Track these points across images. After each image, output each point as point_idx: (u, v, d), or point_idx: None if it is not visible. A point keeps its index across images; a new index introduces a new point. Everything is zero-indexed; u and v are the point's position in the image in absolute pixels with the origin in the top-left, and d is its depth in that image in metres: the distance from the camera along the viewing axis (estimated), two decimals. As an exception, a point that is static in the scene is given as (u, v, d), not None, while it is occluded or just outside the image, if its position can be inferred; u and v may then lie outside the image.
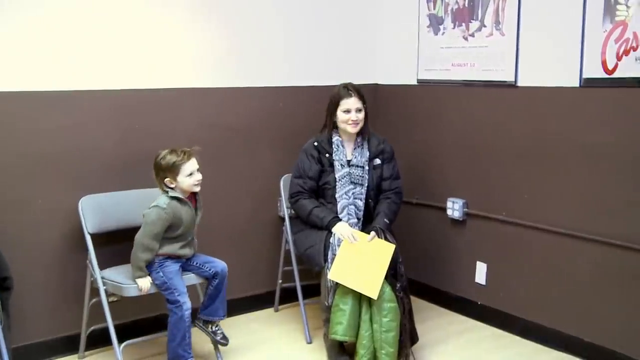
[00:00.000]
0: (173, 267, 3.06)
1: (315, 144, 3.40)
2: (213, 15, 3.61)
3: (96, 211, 3.19)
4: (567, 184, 3.29)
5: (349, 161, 3.37)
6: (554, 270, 3.41)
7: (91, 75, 3.25)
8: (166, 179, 3.03)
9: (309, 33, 3.97)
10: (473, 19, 3.66)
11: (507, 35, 3.48)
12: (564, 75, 3.23)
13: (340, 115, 3.33)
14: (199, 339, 3.33)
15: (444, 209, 3.88)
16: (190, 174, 3.02)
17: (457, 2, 3.74)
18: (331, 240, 3.22)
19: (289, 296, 3.88)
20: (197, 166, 3.04)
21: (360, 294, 3.09)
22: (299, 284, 3.63)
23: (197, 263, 3.17)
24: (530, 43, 3.40)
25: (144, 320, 3.46)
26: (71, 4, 3.16)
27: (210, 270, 3.15)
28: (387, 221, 3.32)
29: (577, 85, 3.18)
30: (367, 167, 3.37)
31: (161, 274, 3.02)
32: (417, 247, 4.08)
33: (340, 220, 3.27)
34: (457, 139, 3.83)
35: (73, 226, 3.21)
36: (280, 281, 3.85)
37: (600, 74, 3.08)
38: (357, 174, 3.36)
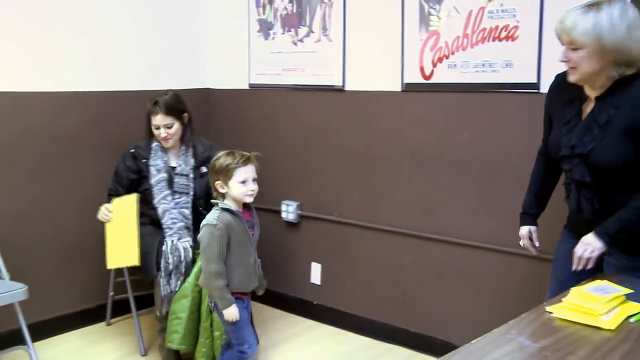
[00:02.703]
0: (244, 312, 2.74)
1: (132, 150, 3.34)
2: (31, 16, 3.37)
3: None
4: (393, 183, 3.47)
5: (173, 168, 3.31)
6: (382, 266, 3.57)
7: None
8: (217, 182, 2.71)
9: (136, 36, 3.83)
10: (302, 25, 3.73)
11: (334, 41, 3.60)
12: (387, 80, 3.40)
13: (153, 130, 3.29)
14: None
15: (279, 212, 3.93)
16: (244, 182, 2.68)
17: (285, 7, 3.80)
18: (164, 248, 3.13)
19: (121, 308, 3.71)
20: (254, 175, 2.73)
21: (199, 301, 3.04)
22: (132, 294, 3.49)
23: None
24: (356, 49, 3.54)
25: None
26: None
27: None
28: None
29: (399, 89, 3.37)
30: (191, 175, 3.32)
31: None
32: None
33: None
34: (290, 142, 3.89)
35: None
36: (111, 293, 3.68)
37: (419, 79, 3.28)
38: (182, 182, 3.29)
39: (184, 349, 3.06)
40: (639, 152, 2.08)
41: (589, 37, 2.04)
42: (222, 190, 2.70)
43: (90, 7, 3.61)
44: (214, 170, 2.71)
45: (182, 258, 3.13)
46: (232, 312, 2.67)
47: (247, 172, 2.68)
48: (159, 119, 3.25)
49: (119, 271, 3.55)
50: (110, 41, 3.72)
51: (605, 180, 2.16)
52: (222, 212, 2.66)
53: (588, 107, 2.20)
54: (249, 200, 2.72)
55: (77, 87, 3.59)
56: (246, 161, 2.69)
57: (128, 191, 3.33)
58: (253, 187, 2.71)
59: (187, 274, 3.12)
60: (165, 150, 3.31)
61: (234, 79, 4.11)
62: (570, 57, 2.11)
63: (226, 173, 2.67)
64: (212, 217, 2.66)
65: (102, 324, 3.77)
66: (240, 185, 2.67)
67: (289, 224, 3.92)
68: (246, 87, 4.06)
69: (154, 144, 3.31)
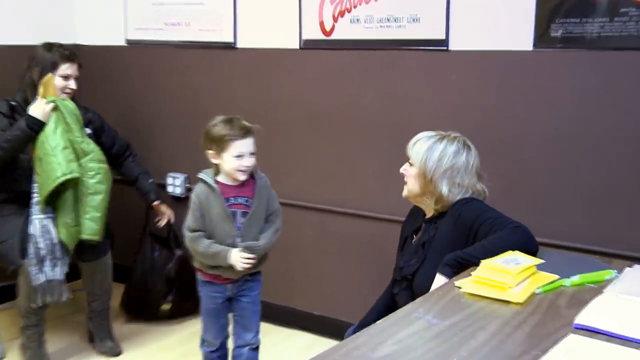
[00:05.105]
0: (212, 302, 2.71)
1: (14, 103, 3.13)
2: None
3: None
4: (292, 150, 3.46)
5: None
6: (280, 243, 3.48)
7: None
8: (210, 151, 2.60)
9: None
10: (186, -27, 3.63)
11: (223, -8, 3.52)
12: (283, 36, 3.37)
13: (58, 81, 3.12)
14: None
15: (164, 186, 3.86)
16: (239, 156, 2.57)
17: (167, -48, 3.67)
18: (31, 231, 2.96)
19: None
20: (252, 149, 2.60)
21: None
22: (-12, 287, 3.32)
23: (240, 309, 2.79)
24: (248, 1, 3.47)
25: None
26: None
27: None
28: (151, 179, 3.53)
29: (297, 47, 3.34)
30: None
31: (201, 299, 2.74)
32: (135, 229, 3.96)
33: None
34: (175, 107, 3.80)
35: None
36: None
37: (319, 35, 3.26)
38: None
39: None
40: None
41: (418, 158, 2.29)
42: (214, 161, 2.63)
43: None
44: (208, 137, 2.63)
45: (56, 240, 2.99)
46: (233, 258, 2.58)
47: (244, 146, 2.58)
48: (74, 68, 3.18)
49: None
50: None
51: None
52: (199, 184, 2.63)
53: (421, 232, 2.38)
54: (242, 177, 2.61)
55: None
56: (246, 133, 2.59)
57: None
58: (248, 162, 2.60)
59: (64, 258, 3.00)
60: None
61: (109, 34, 3.96)
62: (406, 170, 2.37)
63: (220, 144, 2.58)
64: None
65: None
66: (235, 159, 2.58)
67: (176, 199, 3.85)
68: (123, 43, 3.93)
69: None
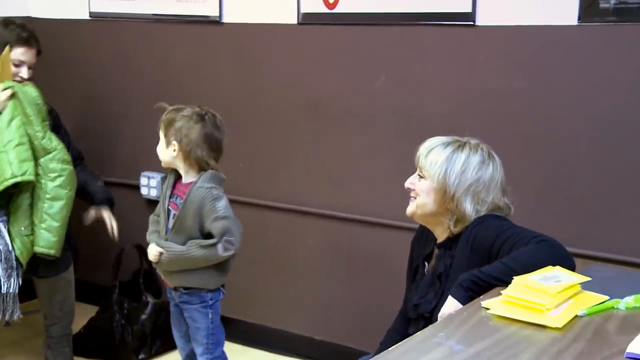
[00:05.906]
0: (170, 305, 2.95)
1: None
2: None
3: None
4: (289, 146, 3.47)
5: None
6: (276, 255, 3.58)
7: None
8: None
9: None
10: None
11: (207, -43, 3.54)
12: (279, 9, 3.38)
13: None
14: None
15: (137, 187, 3.88)
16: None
17: None
18: None
19: None
20: (164, 137, 2.87)
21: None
22: None
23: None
24: (236, -32, 3.50)
25: None
26: None
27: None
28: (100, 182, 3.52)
29: (295, 22, 3.35)
30: None
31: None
32: (104, 240, 3.95)
33: None
34: (149, 94, 3.79)
35: None
36: None
37: (321, 8, 3.27)
38: None
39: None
40: None
41: (435, 170, 2.26)
42: None
43: None
44: None
45: (11, 246, 3.00)
46: (150, 248, 2.78)
47: (160, 132, 2.86)
48: (30, 55, 3.22)
49: None
50: None
51: None
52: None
53: (434, 259, 2.35)
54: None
55: None
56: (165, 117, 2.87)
57: None
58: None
59: (19, 269, 3.00)
60: None
61: (68, 5, 4.00)
62: (414, 184, 2.33)
63: None
64: None
65: None
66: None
67: (151, 202, 3.85)
68: (86, 17, 3.95)
69: None
